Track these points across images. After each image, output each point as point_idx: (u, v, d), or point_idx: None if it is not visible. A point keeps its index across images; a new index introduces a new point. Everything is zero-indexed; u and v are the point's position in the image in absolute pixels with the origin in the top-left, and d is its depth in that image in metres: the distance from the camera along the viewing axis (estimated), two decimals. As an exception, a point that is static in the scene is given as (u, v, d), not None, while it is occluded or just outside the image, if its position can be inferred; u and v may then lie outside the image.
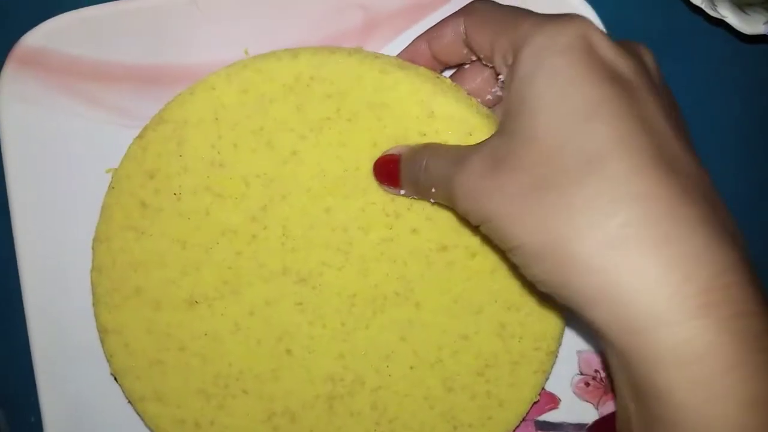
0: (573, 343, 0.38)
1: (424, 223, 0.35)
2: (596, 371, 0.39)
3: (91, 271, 0.38)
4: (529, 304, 0.36)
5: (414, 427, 0.37)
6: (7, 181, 0.39)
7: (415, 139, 0.34)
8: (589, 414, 0.39)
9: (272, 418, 0.38)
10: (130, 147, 0.37)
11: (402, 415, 0.37)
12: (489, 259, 0.36)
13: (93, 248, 0.38)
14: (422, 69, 0.35)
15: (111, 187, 0.37)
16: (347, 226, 0.36)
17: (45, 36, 0.38)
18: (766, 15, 0.37)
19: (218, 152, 0.36)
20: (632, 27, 0.39)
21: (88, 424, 0.40)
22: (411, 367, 0.37)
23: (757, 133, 0.42)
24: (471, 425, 0.37)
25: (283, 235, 0.36)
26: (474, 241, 0.36)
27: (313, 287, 0.37)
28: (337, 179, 0.35)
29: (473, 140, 0.33)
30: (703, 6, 0.37)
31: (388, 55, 0.36)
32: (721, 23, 0.37)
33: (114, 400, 0.40)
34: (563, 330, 0.37)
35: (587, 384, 0.39)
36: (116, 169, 0.37)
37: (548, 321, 0.36)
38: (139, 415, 0.39)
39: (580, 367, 0.39)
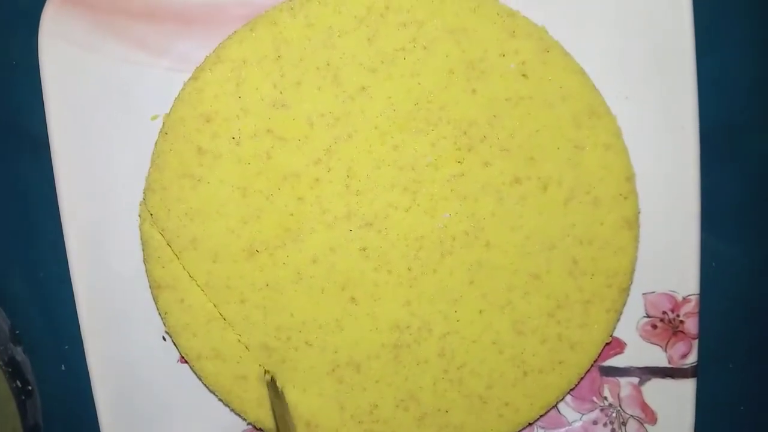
0: (638, 284, 0.37)
1: (498, 154, 0.35)
2: (664, 313, 0.38)
3: (142, 223, 0.36)
4: (601, 236, 0.35)
5: (482, 373, 0.36)
6: (48, 128, 0.36)
7: (493, 60, 0.34)
8: (657, 357, 0.38)
9: (336, 370, 0.36)
10: (183, 89, 0.35)
11: (470, 361, 0.36)
12: (562, 189, 0.35)
13: (145, 199, 0.36)
14: None
15: (164, 133, 0.36)
16: (415, 164, 0.35)
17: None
18: None
19: (280, 92, 0.34)
20: None
21: (137, 382, 0.38)
22: (480, 311, 0.36)
23: None
24: (541, 370, 0.36)
25: (348, 177, 0.35)
26: (548, 171, 0.35)
27: (378, 231, 0.35)
28: (408, 113, 0.34)
29: (550, 58, 0.33)
30: None
31: None
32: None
33: (164, 361, 0.38)
34: (635, 264, 0.36)
35: (654, 326, 0.38)
36: (168, 114, 0.36)
37: (621, 255, 0.35)
38: (196, 373, 0.37)
39: (646, 309, 0.38)
